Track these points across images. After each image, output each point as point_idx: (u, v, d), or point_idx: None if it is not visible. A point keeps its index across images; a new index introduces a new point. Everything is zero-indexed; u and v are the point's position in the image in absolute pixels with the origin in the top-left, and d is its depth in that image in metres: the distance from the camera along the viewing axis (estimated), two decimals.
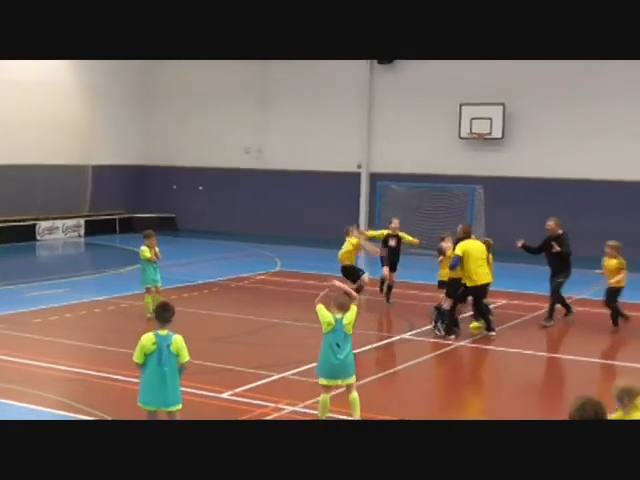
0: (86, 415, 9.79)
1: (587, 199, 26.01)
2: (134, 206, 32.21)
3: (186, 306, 16.67)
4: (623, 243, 25.87)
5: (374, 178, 28.96)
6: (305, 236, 28.81)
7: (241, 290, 19.31)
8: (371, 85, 29.05)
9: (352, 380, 9.59)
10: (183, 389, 10.99)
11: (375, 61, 28.51)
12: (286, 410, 10.13)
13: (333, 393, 9.78)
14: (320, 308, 9.59)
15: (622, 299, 15.95)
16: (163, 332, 8.42)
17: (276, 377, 11.63)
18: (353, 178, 29.49)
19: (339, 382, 9.57)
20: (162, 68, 32.17)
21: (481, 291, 14.72)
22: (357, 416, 9.57)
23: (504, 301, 18.15)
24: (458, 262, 14.41)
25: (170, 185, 32.72)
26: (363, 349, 13.20)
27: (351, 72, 28.93)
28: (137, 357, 8.48)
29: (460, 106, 26.99)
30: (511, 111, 26.61)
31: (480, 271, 14.55)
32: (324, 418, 9.52)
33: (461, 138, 27.36)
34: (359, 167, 29.38)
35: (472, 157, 27.47)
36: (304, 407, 10.25)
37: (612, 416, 6.35)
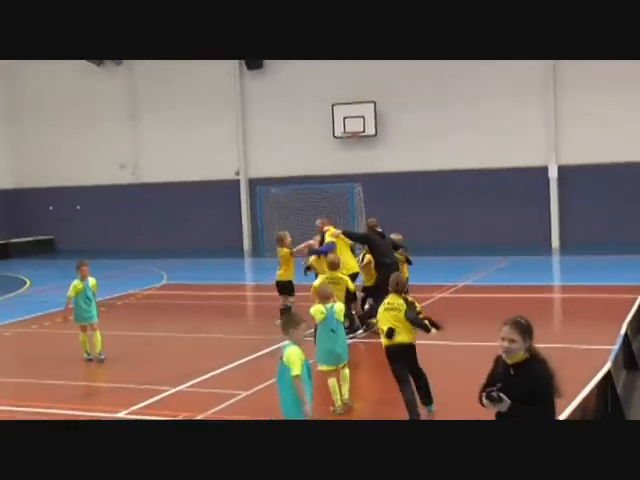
0: None
1: (459, 188, 26.74)
2: (9, 231, 31.18)
3: (73, 328, 16.24)
4: (503, 225, 26.91)
5: (253, 183, 28.98)
6: (189, 247, 28.57)
7: (128, 307, 18.94)
8: (242, 90, 29.04)
9: (345, 362, 10.27)
10: (76, 412, 10.79)
11: (244, 66, 28.51)
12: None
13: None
14: (312, 310, 10.27)
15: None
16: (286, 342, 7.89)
17: (172, 391, 11.45)
18: (232, 185, 29.41)
19: (339, 366, 10.14)
20: (27, 81, 31.30)
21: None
22: (347, 389, 10.19)
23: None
24: (329, 249, 14.54)
25: (46, 206, 31.83)
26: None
27: (220, 79, 28.88)
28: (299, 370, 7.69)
29: (332, 106, 27.29)
30: (382, 109, 27.09)
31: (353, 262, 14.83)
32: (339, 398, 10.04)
33: (335, 137, 27.67)
34: (237, 174, 29.32)
35: (348, 156, 27.83)
36: (204, 418, 10.14)
37: None
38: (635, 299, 13.58)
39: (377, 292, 14.55)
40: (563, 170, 25.75)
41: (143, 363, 13.49)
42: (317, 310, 10.23)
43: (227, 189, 29.36)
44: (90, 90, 30.82)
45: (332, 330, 10.14)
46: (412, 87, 26.97)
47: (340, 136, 27.57)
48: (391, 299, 9.70)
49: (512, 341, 5.87)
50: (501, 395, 5.72)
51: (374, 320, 14.56)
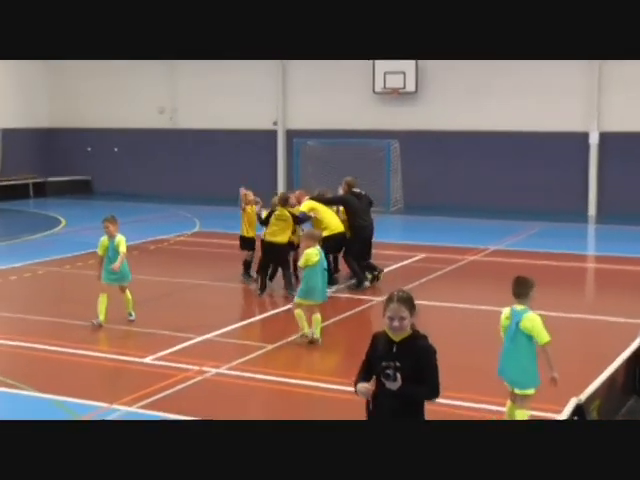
0: (21, 390, 9.59)
1: (498, 149, 26.45)
2: (47, 170, 31.42)
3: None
4: (540, 190, 26.51)
5: (290, 135, 28.86)
6: (224, 195, 28.64)
7: (160, 252, 19.10)
8: None
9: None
10: (104, 355, 10.95)
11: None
12: (210, 372, 10.11)
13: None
14: (307, 251, 11.37)
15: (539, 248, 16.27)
16: (519, 307, 7.92)
17: (199, 339, 11.58)
18: (270, 135, 29.32)
19: (319, 302, 11.39)
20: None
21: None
22: (318, 330, 11.21)
23: (423, 255, 18.36)
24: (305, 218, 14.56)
25: (84, 147, 31.99)
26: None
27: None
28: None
29: (373, 60, 27.00)
30: (424, 66, 26.76)
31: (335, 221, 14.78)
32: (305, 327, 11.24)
33: (375, 93, 27.42)
34: (275, 124, 29.21)
35: (387, 112, 27.58)
36: (229, 369, 10.25)
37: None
38: None
39: (349, 250, 14.64)
40: (604, 137, 25.35)
41: (172, 309, 13.64)
42: (313, 252, 11.32)
43: (264, 139, 29.28)
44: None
45: (325, 269, 11.54)
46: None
47: (380, 91, 27.31)
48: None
49: (402, 319, 5.54)
50: (397, 374, 5.40)
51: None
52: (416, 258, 17.91)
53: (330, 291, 14.14)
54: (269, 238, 14.00)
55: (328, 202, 15.09)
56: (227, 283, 15.46)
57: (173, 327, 12.17)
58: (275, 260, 14.28)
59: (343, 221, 14.96)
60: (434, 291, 14.72)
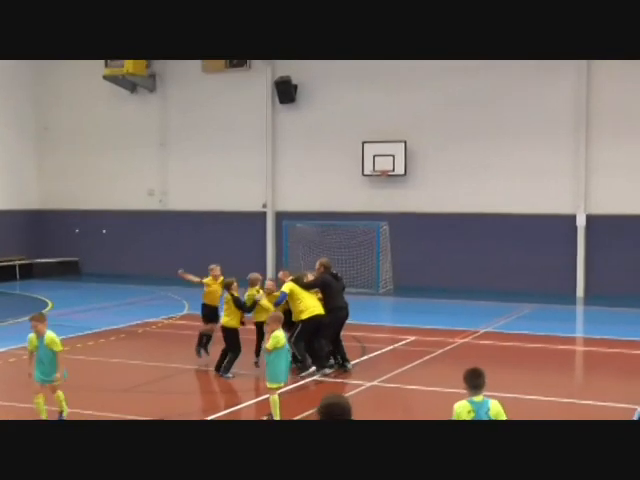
0: None
1: (485, 232, 26.62)
2: (34, 251, 31.37)
3: (92, 355, 16.26)
4: (528, 272, 26.71)
5: (280, 217, 29.01)
6: None
7: (149, 336, 18.95)
8: (274, 124, 29.16)
9: None
10: None
11: (276, 99, 28.68)
12: None
13: None
14: (275, 334, 11.39)
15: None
16: (478, 398, 7.78)
17: None
18: (259, 217, 29.46)
19: (283, 384, 11.64)
20: (58, 103, 31.69)
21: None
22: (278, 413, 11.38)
23: (413, 337, 18.28)
24: (283, 299, 14.56)
25: (72, 228, 32.03)
26: None
27: (252, 111, 29.04)
28: None
29: (363, 143, 27.34)
30: (413, 149, 27.10)
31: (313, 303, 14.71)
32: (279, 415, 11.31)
33: (364, 175, 27.69)
34: (264, 206, 29.37)
35: (376, 194, 27.82)
36: None
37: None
38: None
39: (325, 332, 14.56)
40: (591, 219, 25.57)
41: (162, 395, 13.44)
42: (281, 335, 11.55)
43: (253, 221, 29.43)
44: (121, 116, 31.10)
45: (288, 350, 11.80)
46: (443, 128, 26.97)
47: (369, 174, 27.58)
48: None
49: None
50: None
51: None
52: (406, 341, 17.82)
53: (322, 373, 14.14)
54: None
55: (309, 286, 15.04)
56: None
57: (167, 413, 11.95)
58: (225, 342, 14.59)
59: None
60: (425, 375, 14.59)
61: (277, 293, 14.89)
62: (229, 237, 29.42)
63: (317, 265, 15.46)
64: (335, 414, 5.24)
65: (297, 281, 14.97)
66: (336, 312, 14.85)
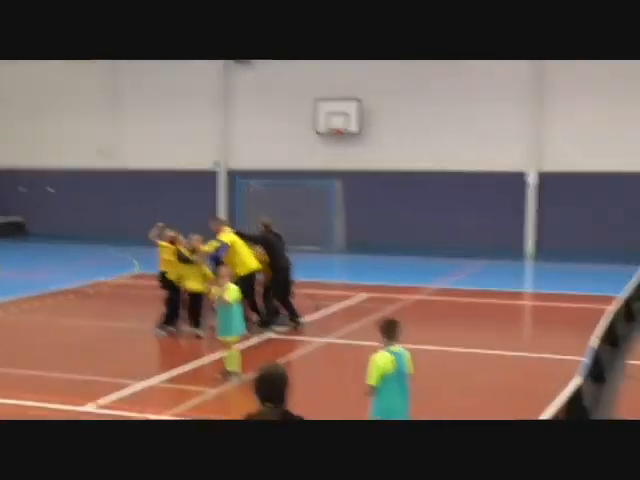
0: None
1: (438, 190, 26.75)
2: None
3: (40, 315, 16.09)
4: (481, 229, 26.99)
5: (233, 175, 28.82)
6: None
7: (99, 296, 18.76)
8: (227, 84, 28.84)
9: None
10: (37, 404, 10.63)
11: (231, 60, 28.32)
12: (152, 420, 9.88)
13: None
14: (230, 287, 11.51)
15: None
16: (397, 348, 7.81)
17: (139, 385, 11.34)
18: (211, 176, 29.23)
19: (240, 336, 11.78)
20: (4, 64, 30.97)
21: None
22: (236, 366, 11.44)
23: (367, 294, 18.36)
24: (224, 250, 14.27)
25: (15, 187, 31.34)
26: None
27: (207, 71, 28.63)
28: (375, 380, 7.67)
29: (316, 102, 27.18)
30: (366, 107, 27.02)
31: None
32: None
33: (318, 134, 27.57)
34: (216, 165, 29.13)
35: (330, 152, 27.74)
36: (172, 415, 10.04)
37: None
38: (605, 310, 13.63)
39: (271, 292, 14.55)
40: (543, 177, 25.81)
41: (112, 355, 13.35)
42: (236, 287, 11.63)
43: (206, 180, 29.18)
44: (74, 80, 30.39)
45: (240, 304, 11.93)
46: (397, 87, 26.90)
47: (323, 132, 27.47)
48: None
49: None
50: None
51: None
52: (359, 298, 17.91)
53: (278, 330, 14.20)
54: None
55: (251, 239, 14.88)
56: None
57: (112, 373, 11.90)
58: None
59: (261, 262, 14.80)
60: (378, 331, 14.67)
61: (214, 243, 14.55)
62: (181, 196, 29.16)
63: (258, 224, 15.39)
64: (271, 385, 5.21)
65: (239, 233, 14.87)
66: (281, 271, 14.82)
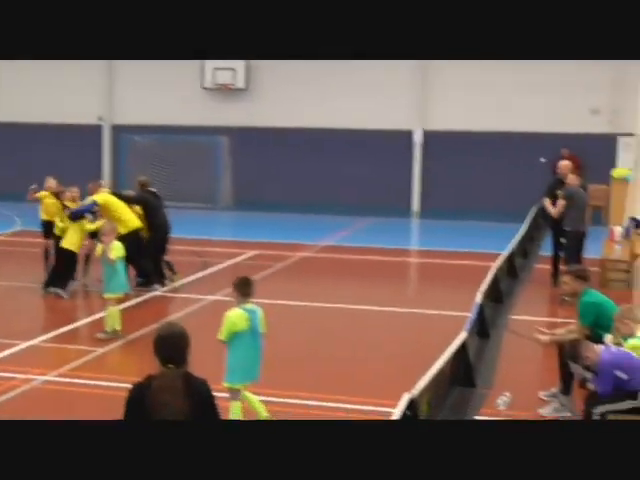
0: None
1: (325, 147, 26.83)
2: None
3: None
4: (367, 186, 27.14)
5: (117, 130, 28.13)
6: None
7: None
8: None
9: None
10: None
11: None
12: (37, 380, 9.65)
13: None
14: (115, 245, 11.42)
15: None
16: (250, 305, 7.80)
17: (24, 345, 11.03)
18: (95, 130, 28.45)
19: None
20: None
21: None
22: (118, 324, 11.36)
23: (254, 252, 18.33)
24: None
25: None
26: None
27: None
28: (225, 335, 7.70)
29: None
30: (254, 63, 26.74)
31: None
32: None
33: (205, 89, 27.16)
34: (100, 119, 28.37)
35: (217, 108, 27.38)
36: (57, 375, 9.81)
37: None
38: (490, 267, 14.00)
39: (149, 250, 14.47)
40: (428, 135, 26.20)
41: None
42: (120, 245, 11.58)
43: (89, 134, 28.38)
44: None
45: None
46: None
47: (209, 87, 27.07)
48: None
49: None
50: None
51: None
52: (247, 255, 17.86)
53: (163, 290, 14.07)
54: None
55: (127, 200, 14.61)
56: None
57: None
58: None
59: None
60: (267, 289, 14.69)
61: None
62: (64, 151, 28.25)
63: (135, 183, 15.18)
64: (172, 345, 5.10)
65: (116, 193, 14.69)
66: (158, 229, 14.67)
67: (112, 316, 11.38)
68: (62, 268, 13.90)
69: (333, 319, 12.95)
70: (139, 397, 4.90)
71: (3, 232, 20.49)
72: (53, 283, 13.90)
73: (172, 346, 5.03)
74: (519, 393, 8.86)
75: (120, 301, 11.74)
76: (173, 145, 26.74)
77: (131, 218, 14.15)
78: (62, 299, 13.70)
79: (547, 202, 14.90)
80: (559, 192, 14.52)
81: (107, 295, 11.46)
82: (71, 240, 13.77)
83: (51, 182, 14.96)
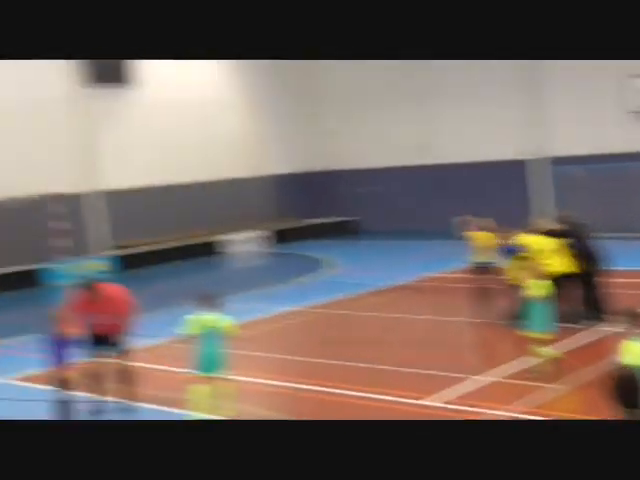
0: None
1: None
2: (306, 212, 32.01)
3: (381, 311, 16.73)
4: None
5: (545, 163, 27.52)
6: None
7: (430, 290, 18.83)
8: (532, 66, 27.70)
9: None
10: (374, 396, 10.96)
11: None
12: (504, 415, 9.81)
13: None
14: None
15: None
16: None
17: (474, 380, 11.30)
18: (518, 166, 28.03)
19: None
20: (325, 71, 31.98)
21: None
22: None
23: None
24: None
25: (344, 188, 32.34)
26: None
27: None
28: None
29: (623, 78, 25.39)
30: None
31: None
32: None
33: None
34: (525, 153, 27.97)
35: None
36: (518, 412, 9.86)
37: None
38: None
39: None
40: None
41: (434, 348, 13.41)
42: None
43: (513, 169, 28.08)
44: (389, 79, 30.83)
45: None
46: None
47: (637, 110, 25.64)
48: None
49: None
50: None
51: None
52: None
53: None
54: None
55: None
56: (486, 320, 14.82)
57: (448, 368, 12.00)
58: None
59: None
60: None
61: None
62: (492, 187, 28.62)
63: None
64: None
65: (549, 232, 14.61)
66: (583, 261, 14.37)
67: (541, 354, 11.29)
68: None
69: None
70: None
71: (447, 269, 20.72)
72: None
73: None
74: None
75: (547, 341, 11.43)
76: (604, 175, 25.73)
77: (552, 262, 13.72)
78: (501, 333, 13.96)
79: None
80: None
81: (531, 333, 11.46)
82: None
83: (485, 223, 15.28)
